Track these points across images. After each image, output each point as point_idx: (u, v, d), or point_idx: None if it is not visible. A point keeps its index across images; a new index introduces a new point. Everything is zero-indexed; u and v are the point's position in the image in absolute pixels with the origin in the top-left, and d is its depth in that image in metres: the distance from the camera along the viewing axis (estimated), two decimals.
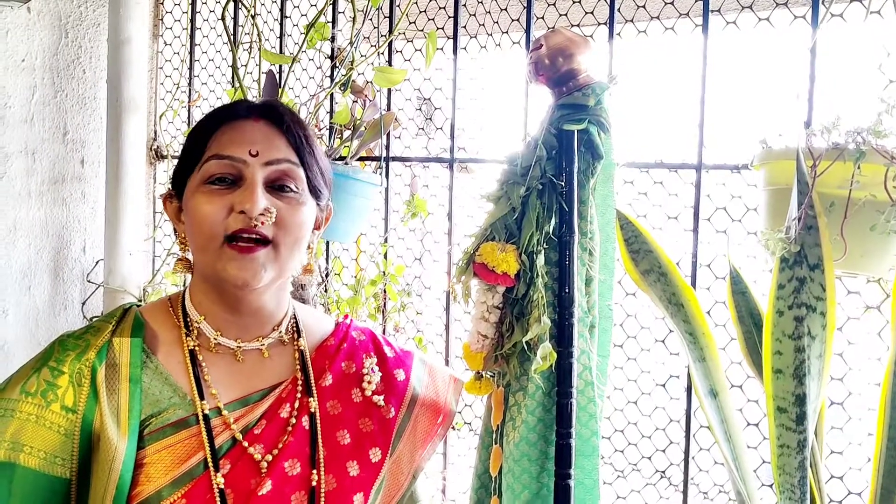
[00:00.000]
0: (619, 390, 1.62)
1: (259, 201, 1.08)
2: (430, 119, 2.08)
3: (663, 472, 1.55)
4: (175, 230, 1.23)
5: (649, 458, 1.59)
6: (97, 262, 2.30)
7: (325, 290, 1.96)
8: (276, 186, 1.13)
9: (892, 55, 1.26)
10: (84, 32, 2.28)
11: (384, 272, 1.86)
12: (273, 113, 1.16)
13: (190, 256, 1.19)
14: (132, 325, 1.16)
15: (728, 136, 1.47)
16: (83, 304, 2.28)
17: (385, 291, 1.89)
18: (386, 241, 1.91)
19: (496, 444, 1.37)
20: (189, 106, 2.31)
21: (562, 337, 1.29)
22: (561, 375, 1.29)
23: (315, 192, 1.17)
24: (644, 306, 1.58)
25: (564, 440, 1.29)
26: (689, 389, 1.51)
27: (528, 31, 1.67)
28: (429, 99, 2.05)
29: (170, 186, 1.21)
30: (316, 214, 1.19)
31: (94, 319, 1.23)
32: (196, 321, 1.17)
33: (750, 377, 1.43)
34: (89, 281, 2.27)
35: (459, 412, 1.87)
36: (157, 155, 2.36)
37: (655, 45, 1.57)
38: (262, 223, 1.09)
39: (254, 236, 1.09)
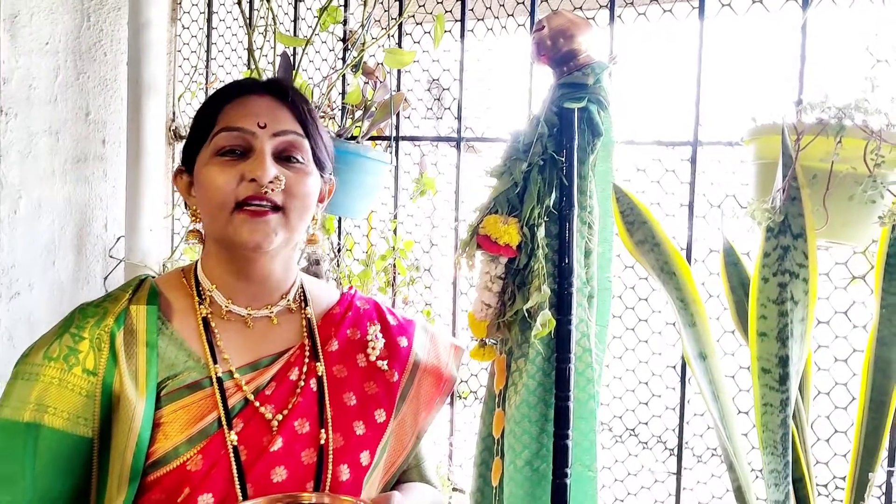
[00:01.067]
0: (618, 359, 1.69)
1: (269, 169, 1.14)
2: (439, 100, 2.14)
3: (659, 436, 1.62)
4: (186, 204, 1.28)
5: (646, 424, 1.65)
6: (118, 239, 2.38)
7: (338, 265, 2.04)
8: (284, 157, 1.18)
9: (879, 36, 1.31)
10: (105, 16, 2.35)
11: (394, 248, 1.94)
12: (278, 88, 1.23)
13: (201, 228, 1.25)
14: (148, 294, 1.22)
15: (723, 114, 1.53)
16: (105, 279, 2.37)
17: (395, 266, 1.96)
18: (396, 217, 1.98)
19: (499, 407, 1.44)
20: (207, 88, 2.39)
21: (561, 305, 1.35)
22: (560, 342, 1.35)
23: (319, 164, 1.23)
24: (642, 278, 1.64)
25: (563, 402, 1.35)
26: (683, 358, 1.58)
27: (532, 13, 1.74)
28: (437, 79, 2.12)
29: (180, 162, 1.27)
30: (320, 186, 1.25)
31: (111, 291, 1.31)
32: (208, 290, 1.23)
33: (742, 345, 1.49)
34: (111, 256, 2.36)
35: (464, 381, 1.95)
36: (176, 136, 2.44)
37: (654, 27, 1.63)
38: (273, 190, 1.14)
39: (264, 203, 1.15)
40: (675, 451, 1.57)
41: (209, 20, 2.40)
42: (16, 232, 2.21)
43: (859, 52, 1.31)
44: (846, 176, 1.15)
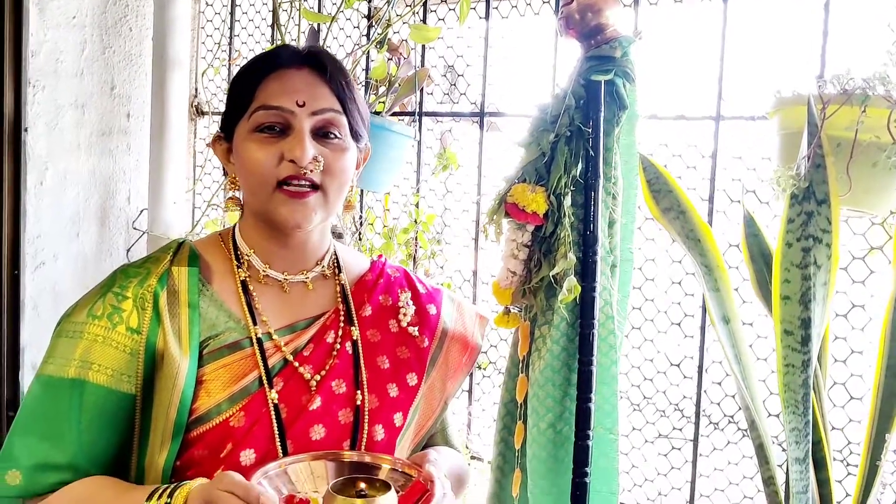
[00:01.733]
0: (637, 329, 1.73)
1: (308, 150, 1.16)
2: (455, 85, 2.18)
3: (676, 404, 1.66)
4: (224, 171, 1.30)
5: (664, 393, 1.69)
6: (141, 212, 2.42)
7: (360, 239, 2.08)
8: (322, 133, 1.19)
9: None
10: None
11: (416, 221, 1.97)
12: (317, 61, 1.22)
13: (239, 195, 1.27)
14: (188, 256, 1.25)
15: (745, 89, 1.56)
16: (128, 250, 2.41)
17: (416, 239, 2.00)
18: (418, 191, 2.02)
19: (522, 373, 1.48)
20: (230, 64, 2.42)
21: (585, 272, 1.39)
22: (584, 308, 1.39)
23: (356, 136, 1.24)
24: (662, 251, 1.68)
25: (586, 367, 1.39)
26: (703, 328, 1.62)
27: None
28: (452, 66, 2.15)
29: (218, 129, 1.29)
30: (357, 156, 1.27)
31: (151, 253, 1.33)
32: (246, 254, 1.25)
33: (760, 315, 1.53)
34: (135, 228, 2.40)
35: (484, 352, 1.98)
36: (198, 111, 2.48)
37: (678, 4, 1.66)
38: (311, 171, 1.16)
39: (304, 183, 1.17)
40: (693, 419, 1.61)
41: None
42: (42, 203, 2.25)
43: (880, 28, 1.35)
44: (870, 144, 1.18)
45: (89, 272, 2.36)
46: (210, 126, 2.48)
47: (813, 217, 1.20)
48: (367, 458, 1.15)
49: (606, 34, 1.42)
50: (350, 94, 1.24)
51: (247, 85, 1.22)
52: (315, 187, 1.18)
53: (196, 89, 2.49)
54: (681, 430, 1.67)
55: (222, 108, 2.44)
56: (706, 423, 1.63)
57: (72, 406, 1.13)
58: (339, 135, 1.21)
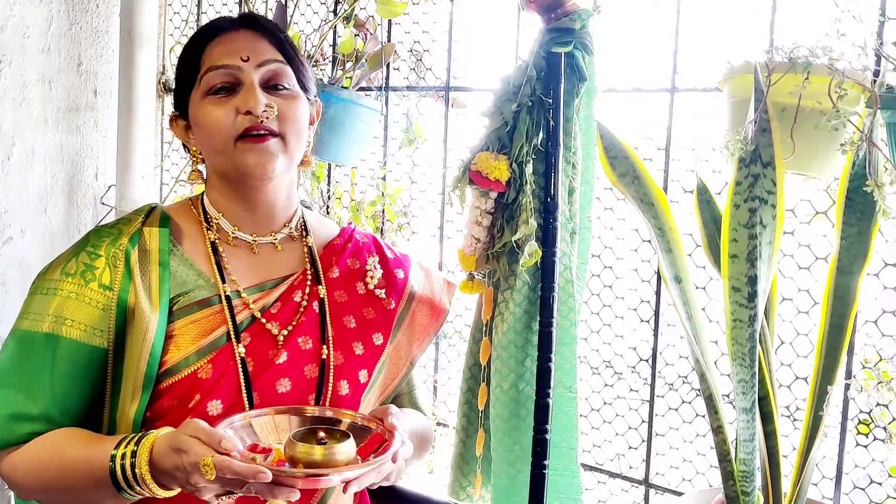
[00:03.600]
0: (596, 295, 1.79)
1: (260, 99, 1.21)
2: (421, 61, 2.21)
3: (633, 367, 1.73)
4: (185, 147, 1.35)
5: (621, 356, 1.76)
6: (109, 188, 2.44)
7: (328, 212, 2.11)
8: (271, 86, 1.25)
9: None
10: None
11: (383, 193, 2.02)
12: (253, 21, 1.30)
13: (202, 168, 1.33)
14: (159, 218, 1.30)
15: (698, 62, 1.63)
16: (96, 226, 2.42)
17: (384, 212, 2.04)
18: (385, 164, 2.06)
19: (486, 337, 1.54)
20: None
21: (546, 238, 1.45)
22: (545, 272, 1.44)
23: (304, 87, 1.30)
24: (619, 220, 1.74)
25: (546, 328, 1.45)
26: (657, 292, 1.68)
27: None
28: (417, 42, 2.19)
29: (173, 109, 1.34)
30: (308, 108, 1.31)
31: (123, 215, 1.37)
32: (215, 217, 1.31)
33: (712, 278, 1.60)
34: (103, 203, 2.41)
35: (450, 321, 2.03)
36: (166, 88, 2.49)
37: None
38: (267, 118, 1.21)
39: (262, 131, 1.21)
40: (649, 381, 1.68)
41: None
42: (9, 178, 2.25)
43: (826, 2, 1.42)
44: (812, 110, 1.25)
45: (57, 247, 2.37)
46: None
47: (759, 179, 1.26)
48: (329, 413, 1.20)
49: (566, 7, 1.47)
50: (291, 49, 1.30)
51: (192, 55, 1.27)
52: (274, 134, 1.23)
53: (164, 66, 2.50)
54: (637, 391, 1.73)
55: None
56: (661, 384, 1.70)
57: (45, 359, 1.17)
58: (287, 85, 1.27)
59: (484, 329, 1.55)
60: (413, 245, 2.09)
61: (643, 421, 1.72)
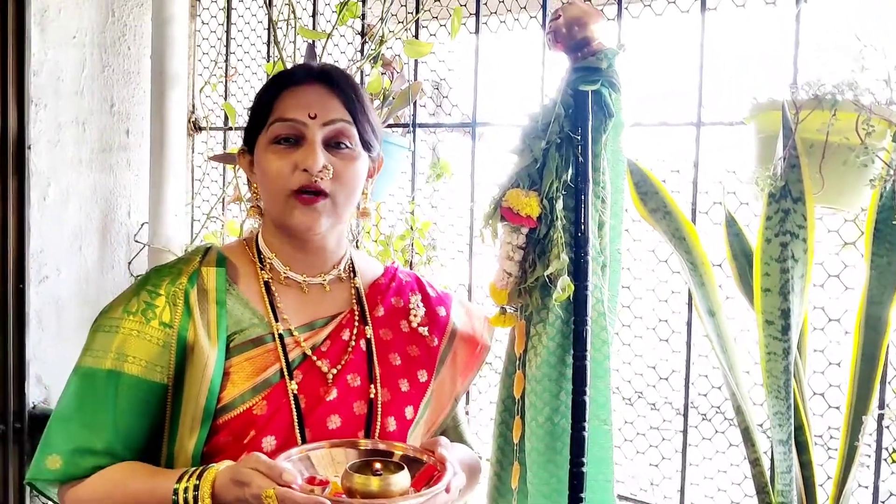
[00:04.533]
0: (627, 327, 1.81)
1: (318, 160, 1.27)
2: (447, 97, 2.25)
3: (666, 398, 1.74)
4: (249, 182, 1.42)
5: (653, 387, 1.77)
6: (142, 225, 2.49)
7: (357, 246, 2.15)
8: (333, 144, 1.30)
9: (866, 24, 1.44)
10: (129, 11, 2.46)
11: (412, 227, 2.05)
12: (328, 77, 1.34)
13: (261, 204, 1.38)
14: (216, 258, 1.36)
15: (723, 97, 1.65)
16: (129, 263, 2.47)
17: (413, 245, 2.07)
18: (413, 199, 2.10)
19: (519, 370, 1.56)
20: (226, 81, 2.49)
21: (578, 272, 1.47)
22: (577, 305, 1.47)
23: (367, 146, 1.35)
24: (648, 251, 1.77)
25: (580, 362, 1.47)
26: (689, 323, 1.70)
27: (544, 6, 1.86)
28: (444, 80, 2.23)
29: (242, 143, 1.40)
30: (368, 165, 1.37)
31: (181, 255, 1.43)
32: (269, 258, 1.36)
33: (745, 309, 1.62)
34: (136, 241, 2.46)
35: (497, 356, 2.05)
36: (196, 127, 2.55)
37: (660, 17, 1.75)
38: (322, 178, 1.27)
39: (314, 191, 1.27)
40: (682, 411, 1.69)
41: (228, 16, 2.51)
42: (44, 218, 2.31)
43: (849, 37, 1.44)
44: (840, 146, 1.28)
45: (92, 285, 2.42)
46: (208, 141, 2.55)
47: (790, 214, 1.29)
48: (382, 446, 1.25)
49: (592, 47, 1.50)
50: (360, 107, 1.34)
51: (265, 101, 1.33)
52: (324, 195, 1.28)
53: (193, 105, 2.56)
54: (670, 421, 1.75)
55: (220, 124, 2.52)
56: (694, 414, 1.71)
57: (108, 395, 1.23)
58: (349, 145, 1.32)
59: (517, 362, 1.57)
60: (441, 276, 2.12)
61: (676, 451, 1.73)
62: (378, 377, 1.34)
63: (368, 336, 1.37)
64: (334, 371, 1.32)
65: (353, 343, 1.35)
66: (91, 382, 1.24)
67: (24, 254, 2.23)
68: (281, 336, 1.31)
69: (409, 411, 1.36)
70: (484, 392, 2.06)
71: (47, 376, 2.33)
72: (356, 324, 1.38)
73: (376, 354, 1.36)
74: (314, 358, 1.32)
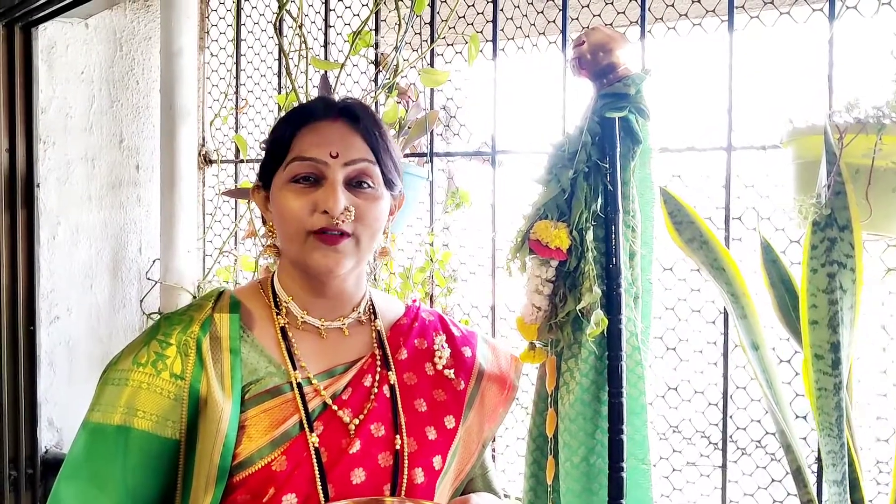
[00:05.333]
0: (659, 358, 1.75)
1: (340, 202, 1.19)
2: (454, 117, 2.21)
3: (702, 431, 1.68)
4: (263, 219, 1.34)
5: (689, 420, 1.71)
6: (153, 262, 2.44)
7: (375, 280, 2.09)
8: (355, 183, 1.23)
9: None
10: (137, 45, 2.42)
11: (432, 259, 2.00)
12: (350, 112, 1.27)
13: (278, 243, 1.31)
14: (229, 303, 1.29)
15: (754, 120, 1.61)
16: (141, 301, 2.42)
17: (433, 277, 2.02)
18: (432, 230, 2.04)
19: (550, 408, 1.50)
20: (237, 113, 2.45)
21: (610, 305, 1.42)
22: (611, 340, 1.41)
23: (389, 185, 1.28)
24: (680, 280, 1.71)
25: (616, 399, 1.41)
26: (725, 354, 1.64)
27: (563, 31, 1.82)
28: (457, 109, 2.19)
29: (257, 178, 1.33)
30: (390, 203, 1.31)
31: (193, 301, 1.36)
32: (285, 301, 1.29)
33: (781, 339, 1.56)
34: (148, 278, 2.41)
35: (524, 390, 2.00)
36: (206, 160, 2.51)
37: (685, 40, 1.71)
38: (343, 221, 1.20)
39: (335, 232, 1.20)
40: (720, 446, 1.63)
41: (237, 48, 2.47)
42: (55, 257, 2.26)
43: (885, 57, 1.40)
44: (886, 170, 1.23)
45: (103, 324, 2.37)
46: (219, 174, 2.50)
47: (836, 243, 1.24)
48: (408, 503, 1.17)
49: (618, 73, 1.46)
50: (383, 144, 1.27)
51: (283, 136, 1.26)
52: (347, 234, 1.22)
53: (203, 138, 2.52)
54: (708, 456, 1.68)
55: (230, 156, 2.47)
56: (733, 448, 1.65)
57: (117, 451, 1.17)
58: (371, 184, 1.25)
59: (548, 399, 1.51)
60: (463, 308, 2.07)
61: (716, 487, 1.67)
62: (403, 426, 1.27)
63: (392, 381, 1.30)
64: (356, 421, 1.24)
65: (376, 389, 1.28)
66: (100, 438, 1.18)
67: (34, 294, 2.19)
68: (299, 385, 1.23)
69: (437, 461, 1.29)
70: (511, 428, 2.00)
71: (59, 419, 2.28)
72: (378, 369, 1.31)
73: (401, 401, 1.29)
74: (335, 407, 1.24)
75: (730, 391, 1.64)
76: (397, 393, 1.29)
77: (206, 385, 1.20)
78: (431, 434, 1.29)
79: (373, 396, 1.27)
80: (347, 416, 1.24)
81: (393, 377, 1.30)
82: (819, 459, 1.52)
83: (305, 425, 1.20)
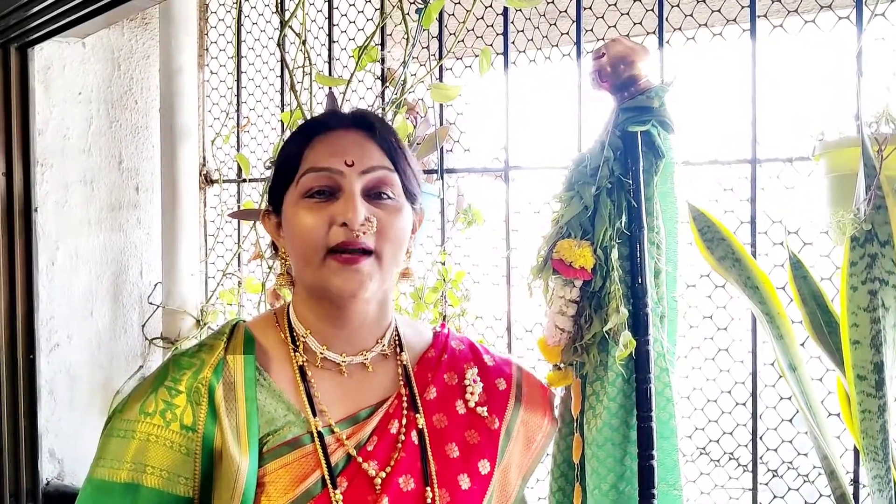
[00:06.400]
0: (685, 378, 1.70)
1: (359, 212, 1.09)
2: (460, 140, 2.17)
3: (731, 453, 1.63)
4: (275, 247, 1.23)
5: (717, 442, 1.66)
6: (155, 286, 2.38)
7: None
8: (374, 194, 1.13)
9: None
10: (135, 64, 2.37)
11: (444, 279, 1.95)
12: (363, 121, 1.17)
13: (291, 271, 1.21)
14: (243, 341, 1.18)
15: (780, 131, 1.56)
16: (143, 326, 2.35)
17: (445, 297, 1.96)
18: (444, 249, 1.99)
19: (576, 433, 1.45)
20: (238, 131, 2.40)
21: (637, 325, 1.37)
22: (640, 362, 1.36)
23: (410, 196, 1.18)
24: (705, 297, 1.67)
25: (646, 423, 1.36)
26: (753, 373, 1.59)
27: (578, 43, 1.78)
28: (454, 123, 2.14)
29: (266, 203, 1.23)
30: (412, 218, 1.20)
31: (204, 337, 1.27)
32: (302, 335, 1.18)
33: (812, 357, 1.51)
34: (150, 303, 2.35)
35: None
36: (208, 180, 2.45)
37: (705, 50, 1.67)
38: (364, 233, 1.09)
39: (356, 248, 1.10)
40: (750, 468, 1.58)
41: (238, 65, 2.42)
42: (54, 283, 2.20)
43: None
44: None
45: (104, 351, 2.31)
46: (221, 194, 2.45)
47: (877, 259, 1.19)
48: None
49: (640, 85, 1.41)
50: (401, 152, 1.18)
51: (293, 151, 1.17)
52: (368, 252, 1.11)
53: (205, 158, 2.46)
54: (737, 479, 1.63)
55: (232, 176, 2.42)
56: (763, 470, 1.60)
57: None
58: (392, 194, 1.15)
59: (573, 424, 1.45)
60: (477, 328, 2.01)
61: None
62: (434, 476, 1.17)
63: (420, 426, 1.19)
64: (383, 474, 1.14)
65: (403, 437, 1.17)
66: (106, 497, 1.08)
67: (33, 321, 2.13)
68: (320, 434, 1.13)
69: None
70: None
71: (60, 450, 2.22)
72: (405, 411, 1.19)
73: (430, 447, 1.18)
74: (360, 460, 1.13)
75: (759, 411, 1.59)
76: (426, 439, 1.19)
77: (220, 438, 1.10)
78: (465, 483, 1.19)
79: (400, 445, 1.17)
80: (373, 470, 1.14)
81: (421, 421, 1.20)
82: (855, 482, 1.47)
83: (328, 482, 1.10)
